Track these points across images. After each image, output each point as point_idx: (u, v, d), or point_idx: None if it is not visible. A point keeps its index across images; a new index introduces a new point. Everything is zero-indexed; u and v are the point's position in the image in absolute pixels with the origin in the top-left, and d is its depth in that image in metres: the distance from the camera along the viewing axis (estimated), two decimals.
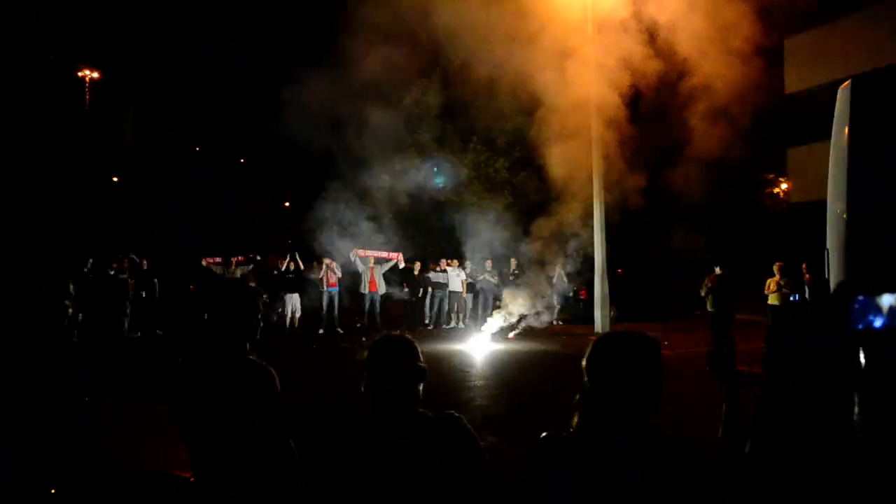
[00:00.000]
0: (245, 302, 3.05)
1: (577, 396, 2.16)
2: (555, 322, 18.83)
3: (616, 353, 2.16)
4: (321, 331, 17.15)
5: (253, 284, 16.99)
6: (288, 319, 17.43)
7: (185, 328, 14.74)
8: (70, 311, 15.80)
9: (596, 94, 16.29)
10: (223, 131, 36.58)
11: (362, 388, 2.46)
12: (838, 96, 8.55)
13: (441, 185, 18.35)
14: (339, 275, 17.54)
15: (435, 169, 18.85)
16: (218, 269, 17.68)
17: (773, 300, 13.24)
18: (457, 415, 2.48)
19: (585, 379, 2.16)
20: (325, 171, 18.43)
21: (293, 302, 17.49)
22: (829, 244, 9.24)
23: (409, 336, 2.58)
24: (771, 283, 13.32)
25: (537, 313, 17.07)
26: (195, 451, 2.92)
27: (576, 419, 2.13)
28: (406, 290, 18.78)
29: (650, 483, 1.98)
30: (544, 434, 2.16)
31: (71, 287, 15.65)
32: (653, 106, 16.01)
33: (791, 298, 13.06)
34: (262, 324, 3.08)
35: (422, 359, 2.52)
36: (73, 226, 30.26)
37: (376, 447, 2.39)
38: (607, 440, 2.06)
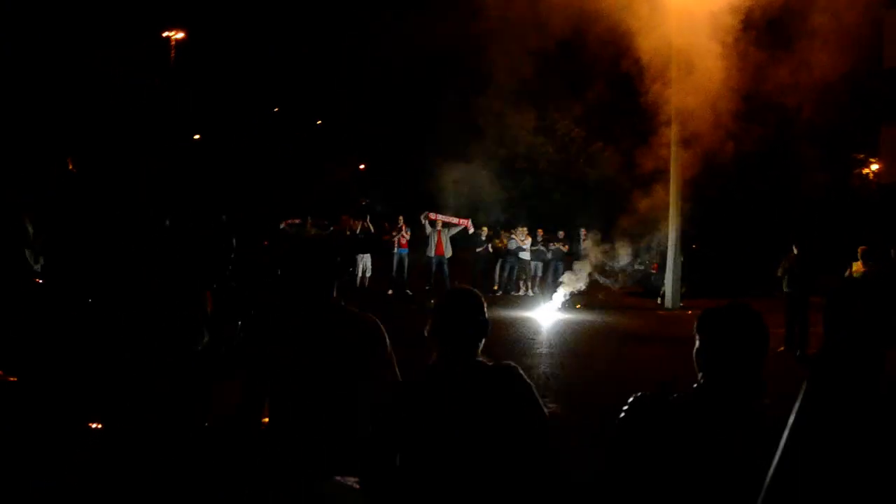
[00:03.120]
0: (324, 255, 3.10)
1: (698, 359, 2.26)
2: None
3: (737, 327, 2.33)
4: (390, 291, 17.40)
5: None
6: (358, 279, 17.78)
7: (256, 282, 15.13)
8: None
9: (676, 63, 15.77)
10: (302, 93, 36.97)
11: (426, 333, 2.57)
12: None
13: None
14: (408, 237, 17.72)
15: None
16: (294, 231, 18.01)
17: None
18: (513, 364, 2.57)
19: (700, 346, 2.25)
20: (401, 134, 18.53)
21: (364, 262, 17.77)
22: None
23: (476, 291, 2.67)
24: (854, 268, 12.75)
25: (607, 283, 16.87)
26: (275, 399, 2.96)
27: (700, 379, 2.23)
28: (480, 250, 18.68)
29: (748, 456, 2.01)
30: (638, 395, 2.24)
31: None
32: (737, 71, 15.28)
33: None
34: (341, 275, 3.17)
35: (486, 313, 2.60)
36: (155, 185, 31.16)
37: (436, 392, 2.48)
38: (722, 408, 2.16)
